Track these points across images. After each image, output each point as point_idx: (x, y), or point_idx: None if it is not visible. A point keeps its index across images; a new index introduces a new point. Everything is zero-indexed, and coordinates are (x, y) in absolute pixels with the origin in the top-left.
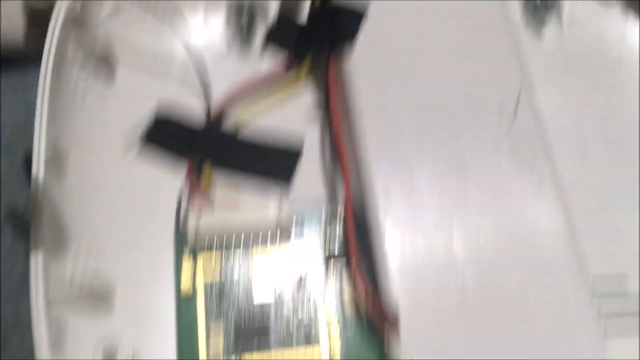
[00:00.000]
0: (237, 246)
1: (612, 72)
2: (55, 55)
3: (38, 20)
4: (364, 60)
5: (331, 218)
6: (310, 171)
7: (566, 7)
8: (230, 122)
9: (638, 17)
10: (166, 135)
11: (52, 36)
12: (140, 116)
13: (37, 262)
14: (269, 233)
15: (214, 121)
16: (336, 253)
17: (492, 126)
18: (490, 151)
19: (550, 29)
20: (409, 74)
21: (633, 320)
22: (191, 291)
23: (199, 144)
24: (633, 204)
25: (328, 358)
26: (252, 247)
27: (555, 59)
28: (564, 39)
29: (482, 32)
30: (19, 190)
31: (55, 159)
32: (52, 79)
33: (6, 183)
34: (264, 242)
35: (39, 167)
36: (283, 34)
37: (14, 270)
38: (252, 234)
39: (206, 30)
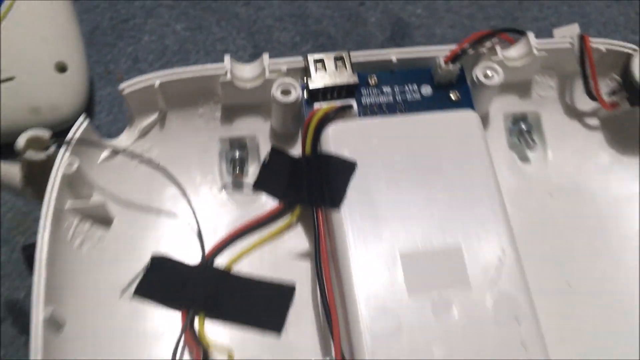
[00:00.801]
0: None
1: (594, 201)
2: (54, 211)
3: (35, 170)
4: (351, 209)
5: None
6: (304, 309)
7: (549, 133)
8: (222, 261)
9: None
10: (163, 272)
11: (52, 193)
12: (135, 261)
13: None
14: None
15: (208, 260)
16: None
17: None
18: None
19: (536, 153)
20: (398, 222)
21: None
22: None
23: (194, 280)
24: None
25: None
26: None
27: (539, 182)
28: (548, 163)
29: (469, 174)
30: (19, 278)
31: (52, 319)
32: (50, 231)
33: (6, 271)
34: None
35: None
36: (272, 179)
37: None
38: None
39: (200, 171)
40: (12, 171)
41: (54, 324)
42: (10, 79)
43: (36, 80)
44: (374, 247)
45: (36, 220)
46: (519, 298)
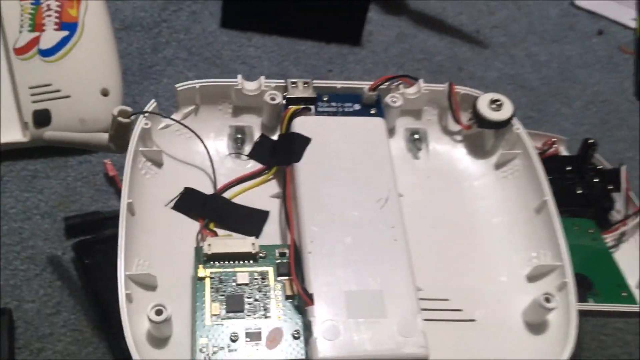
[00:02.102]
0: (229, 259)
1: (455, 182)
2: (134, 151)
3: (121, 130)
4: (305, 166)
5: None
6: (272, 226)
7: (431, 142)
8: (226, 195)
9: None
10: (191, 197)
11: (134, 141)
12: (174, 189)
13: (121, 266)
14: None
15: (218, 192)
16: (285, 269)
17: (375, 205)
18: (373, 218)
19: (422, 153)
20: (330, 175)
21: None
22: (203, 277)
23: (209, 204)
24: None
25: (275, 319)
26: (237, 262)
27: (423, 171)
28: (429, 159)
29: (374, 152)
30: (58, 241)
31: (130, 206)
32: (131, 164)
33: (48, 236)
34: (244, 260)
35: (123, 207)
36: (260, 152)
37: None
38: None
39: (216, 143)
40: (99, 137)
41: (130, 210)
42: (67, 96)
43: (86, 99)
44: (317, 190)
45: (73, 201)
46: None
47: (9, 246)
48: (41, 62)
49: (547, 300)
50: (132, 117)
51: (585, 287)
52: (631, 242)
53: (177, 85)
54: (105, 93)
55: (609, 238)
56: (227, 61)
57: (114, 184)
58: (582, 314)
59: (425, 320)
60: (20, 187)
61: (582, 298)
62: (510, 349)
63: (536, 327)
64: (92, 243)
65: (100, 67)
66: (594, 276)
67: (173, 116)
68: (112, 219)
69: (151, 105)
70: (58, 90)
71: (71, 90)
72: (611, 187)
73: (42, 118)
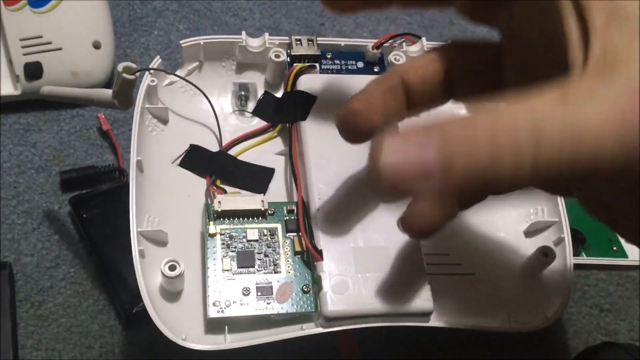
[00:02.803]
0: (238, 216)
1: None
2: (141, 108)
3: (125, 86)
4: (311, 123)
5: (289, 211)
6: (277, 183)
7: None
8: (232, 152)
9: None
10: (197, 154)
11: (140, 98)
12: (180, 146)
13: (133, 223)
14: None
15: (224, 149)
16: (293, 226)
17: None
18: None
19: None
20: (336, 134)
21: None
22: (214, 233)
23: (215, 161)
24: None
25: (285, 274)
26: (246, 219)
27: None
28: (430, 117)
29: None
30: (54, 195)
31: (140, 163)
32: (139, 121)
33: (44, 190)
34: (254, 217)
35: (133, 165)
36: (264, 110)
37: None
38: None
39: (220, 100)
40: (102, 92)
41: (140, 167)
42: (59, 49)
43: (77, 52)
44: (323, 148)
45: (68, 155)
46: None
47: (4, 200)
48: (31, 13)
49: (545, 254)
50: (137, 74)
51: (578, 242)
52: None
53: (181, 42)
54: (97, 45)
55: None
56: (218, 13)
57: (108, 138)
58: (576, 267)
59: (428, 274)
60: (13, 141)
61: (575, 252)
62: (507, 300)
63: (533, 280)
64: (89, 197)
65: (92, 19)
66: (587, 231)
67: (177, 72)
68: (107, 173)
69: (156, 62)
70: (49, 43)
71: (63, 43)
72: None
73: (33, 71)
